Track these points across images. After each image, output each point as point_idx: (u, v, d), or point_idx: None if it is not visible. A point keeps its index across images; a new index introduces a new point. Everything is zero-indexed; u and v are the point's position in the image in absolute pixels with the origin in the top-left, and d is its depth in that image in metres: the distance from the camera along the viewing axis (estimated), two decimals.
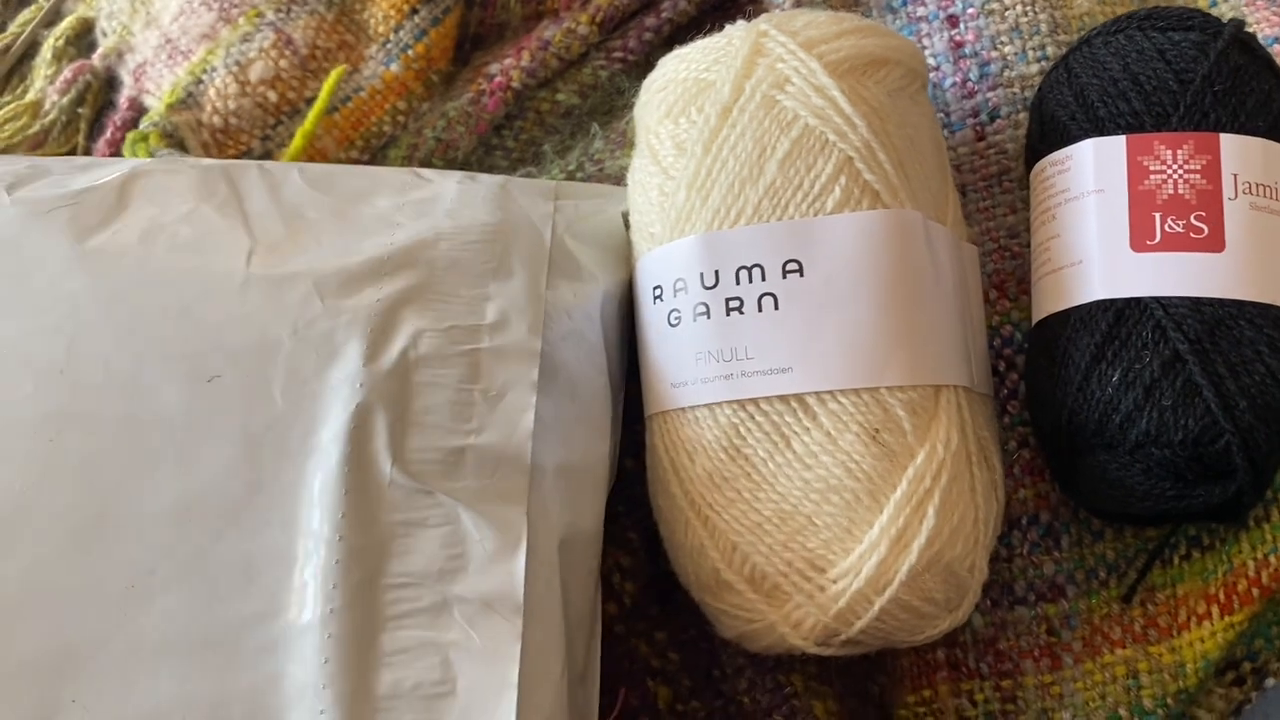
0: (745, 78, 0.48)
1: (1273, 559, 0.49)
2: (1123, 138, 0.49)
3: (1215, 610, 0.50)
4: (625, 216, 0.54)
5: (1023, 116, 0.57)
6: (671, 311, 0.49)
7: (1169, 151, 0.48)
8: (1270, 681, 0.50)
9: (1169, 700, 0.50)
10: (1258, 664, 0.50)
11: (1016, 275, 0.55)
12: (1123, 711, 0.50)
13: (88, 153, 0.67)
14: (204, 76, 0.64)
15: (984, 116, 0.58)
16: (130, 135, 0.63)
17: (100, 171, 0.50)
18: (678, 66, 0.51)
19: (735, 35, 0.50)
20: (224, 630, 0.40)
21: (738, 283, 0.47)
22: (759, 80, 0.48)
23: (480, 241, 0.49)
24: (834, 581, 0.45)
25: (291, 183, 0.51)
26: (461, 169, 0.64)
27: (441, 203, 0.50)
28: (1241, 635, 0.50)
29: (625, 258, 0.53)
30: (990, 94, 0.58)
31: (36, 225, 0.47)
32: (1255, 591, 0.49)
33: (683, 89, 0.50)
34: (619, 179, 0.59)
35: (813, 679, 0.54)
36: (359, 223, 0.49)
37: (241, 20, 0.65)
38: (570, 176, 0.63)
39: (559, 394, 0.47)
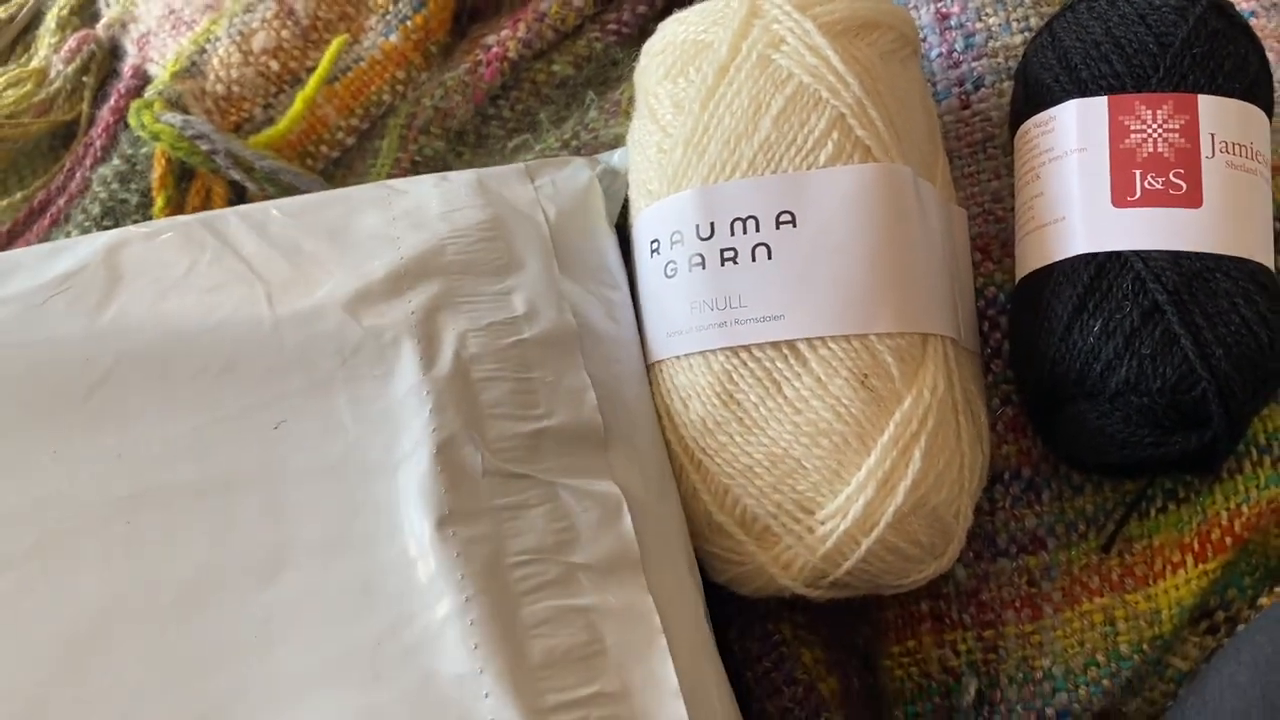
0: (742, 38, 0.50)
1: (1245, 509, 0.50)
2: (1105, 98, 0.50)
3: (1190, 559, 0.51)
4: (599, 179, 0.56)
5: (1006, 85, 0.58)
6: (668, 264, 0.50)
7: (1149, 111, 0.49)
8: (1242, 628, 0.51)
9: (1145, 646, 0.50)
10: (1230, 612, 0.51)
11: (1000, 239, 0.56)
12: (1100, 657, 0.51)
13: (92, 120, 0.67)
14: (207, 46, 0.65)
15: (969, 85, 0.59)
16: (135, 103, 0.63)
17: (73, 253, 0.48)
18: (676, 29, 0.52)
19: None
20: (358, 651, 0.40)
21: (732, 234, 0.48)
22: (755, 40, 0.49)
23: (482, 240, 0.50)
24: (822, 523, 0.46)
25: (273, 220, 0.50)
26: (459, 137, 0.65)
27: (429, 209, 0.51)
28: (1215, 583, 0.51)
29: (610, 213, 0.55)
30: (975, 64, 0.59)
31: (38, 317, 0.46)
32: (1229, 540, 0.50)
33: (681, 50, 0.51)
34: (613, 147, 0.60)
35: (801, 628, 0.54)
36: (358, 245, 0.49)
37: None
38: (565, 145, 0.63)
39: (600, 358, 0.49)
